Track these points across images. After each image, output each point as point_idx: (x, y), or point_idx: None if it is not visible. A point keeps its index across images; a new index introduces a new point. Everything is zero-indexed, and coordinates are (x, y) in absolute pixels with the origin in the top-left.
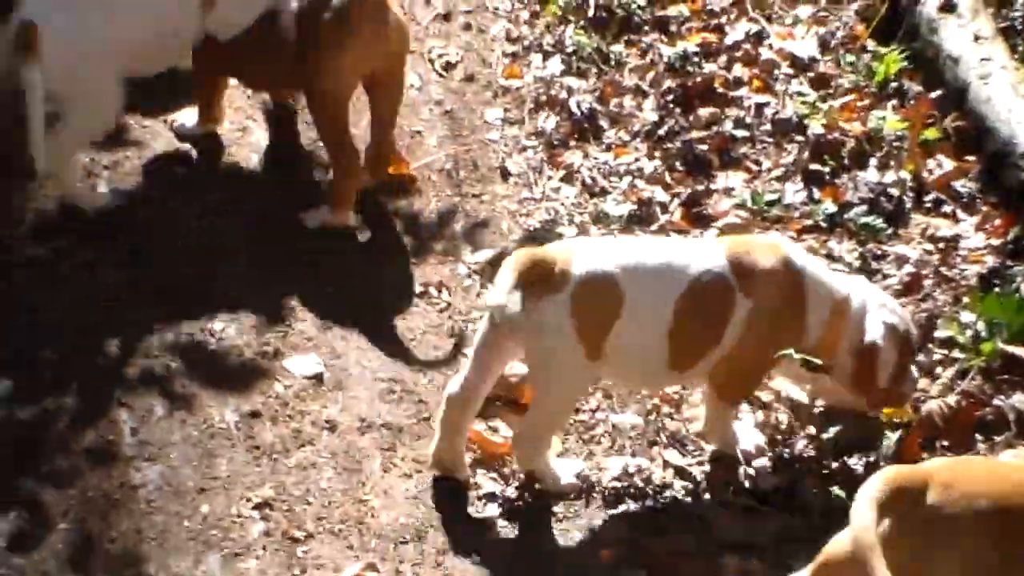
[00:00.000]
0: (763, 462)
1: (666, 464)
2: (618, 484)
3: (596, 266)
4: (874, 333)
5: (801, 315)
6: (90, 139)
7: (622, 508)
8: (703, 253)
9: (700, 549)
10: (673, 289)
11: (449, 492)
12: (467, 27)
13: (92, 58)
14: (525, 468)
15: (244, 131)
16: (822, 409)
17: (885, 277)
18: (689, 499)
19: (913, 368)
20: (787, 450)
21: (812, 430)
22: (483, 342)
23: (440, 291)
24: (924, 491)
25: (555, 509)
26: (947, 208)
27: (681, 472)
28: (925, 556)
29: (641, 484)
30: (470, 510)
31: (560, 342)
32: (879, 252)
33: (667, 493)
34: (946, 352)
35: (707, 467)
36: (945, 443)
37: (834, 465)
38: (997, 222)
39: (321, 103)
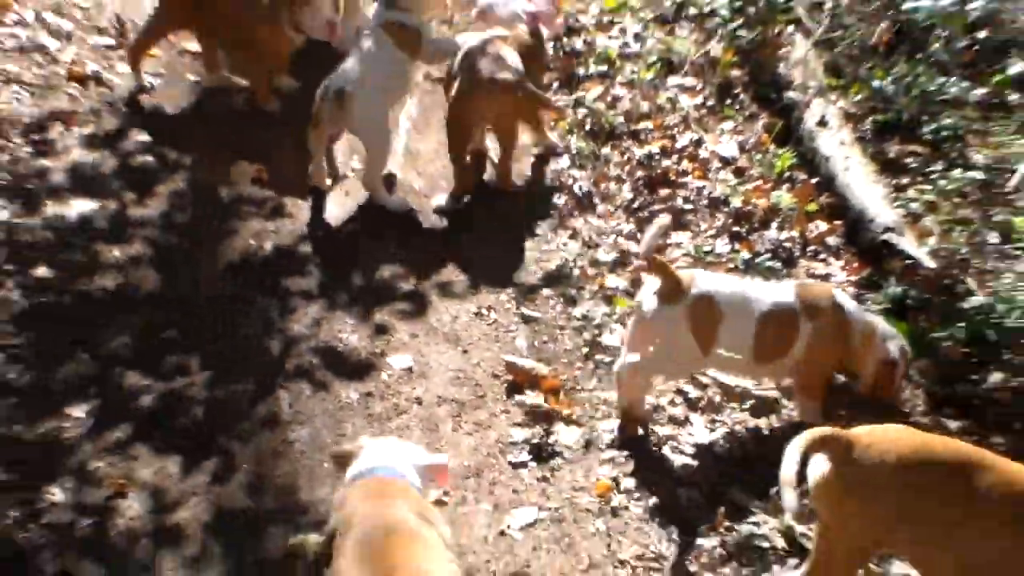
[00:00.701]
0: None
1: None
2: (609, 438)
3: (705, 290)
4: (895, 353)
5: (846, 339)
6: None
7: (611, 455)
8: (780, 292)
9: (663, 483)
10: (757, 313)
11: (497, 444)
12: None
13: (382, 111)
14: (627, 395)
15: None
16: (740, 389)
17: None
18: (656, 450)
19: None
20: (719, 416)
21: (735, 404)
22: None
23: (489, 312)
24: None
25: (565, 455)
26: (822, 256)
27: (651, 432)
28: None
29: (619, 438)
30: (510, 456)
31: (676, 334)
32: None
33: (643, 446)
34: None
35: (667, 428)
36: None
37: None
38: (855, 265)
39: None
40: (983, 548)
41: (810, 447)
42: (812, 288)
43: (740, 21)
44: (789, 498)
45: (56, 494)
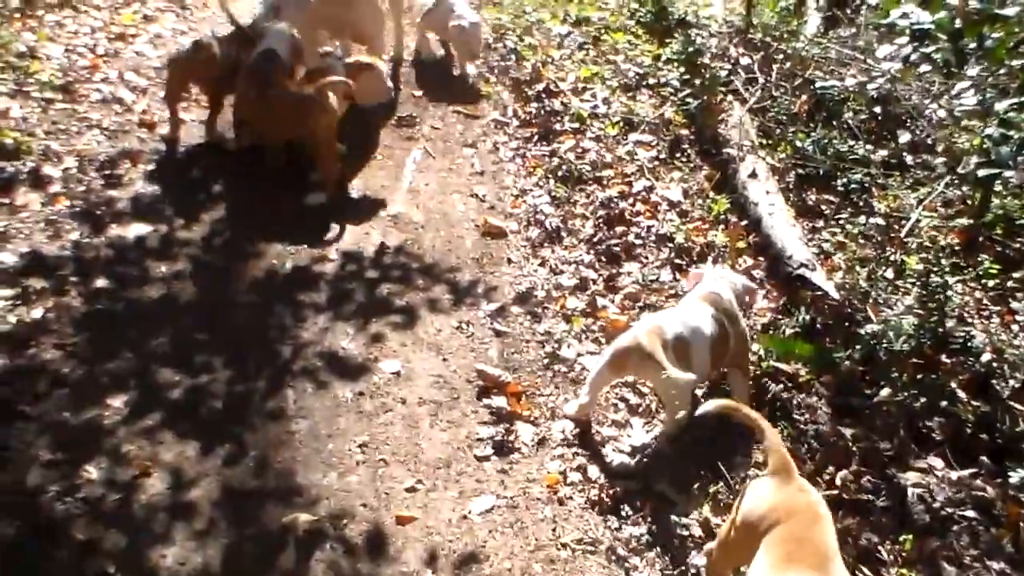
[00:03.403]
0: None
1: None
2: (560, 437)
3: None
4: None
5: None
6: None
7: (561, 452)
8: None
9: (603, 477)
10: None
11: (466, 440)
12: (492, 178)
13: None
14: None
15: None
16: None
17: None
18: (600, 448)
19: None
20: (655, 419)
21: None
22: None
23: (468, 327)
24: None
25: (522, 451)
26: None
27: (596, 432)
28: None
29: (568, 438)
30: (476, 450)
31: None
32: None
33: (588, 445)
34: None
35: (610, 430)
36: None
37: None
38: (774, 294)
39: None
40: None
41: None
42: (719, 301)
43: (688, 90)
44: None
45: (91, 472)
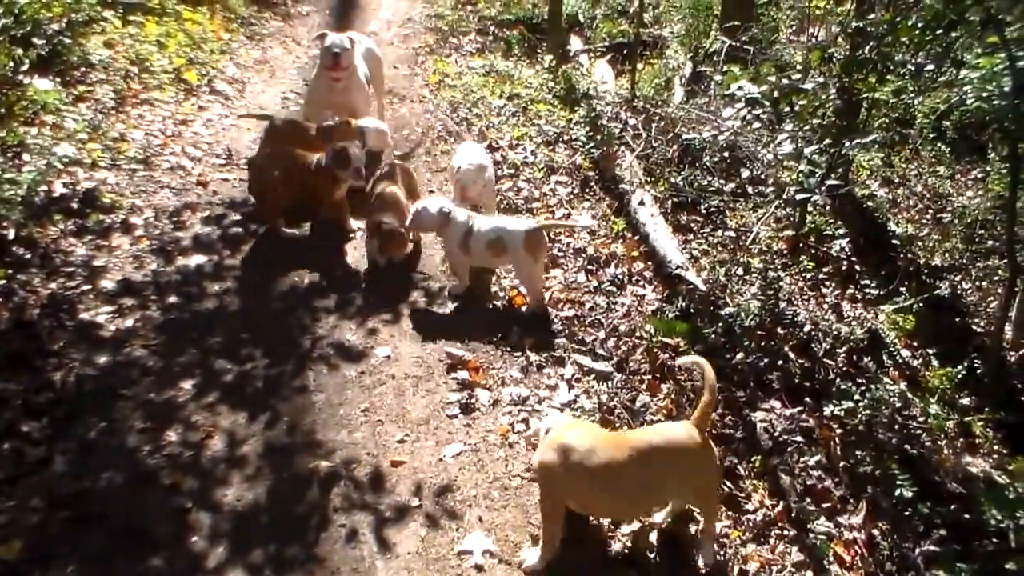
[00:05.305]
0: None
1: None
2: (508, 399)
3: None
4: None
5: None
6: None
7: (510, 409)
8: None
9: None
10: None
11: (440, 403)
12: None
13: None
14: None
15: (356, 249)
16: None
17: (617, 310)
18: (538, 405)
19: None
20: (576, 383)
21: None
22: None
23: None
24: None
25: (482, 410)
26: (641, 283)
27: (535, 395)
28: None
29: (515, 399)
30: (447, 411)
31: None
32: (615, 301)
33: (528, 404)
34: (639, 341)
35: (545, 392)
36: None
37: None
38: (660, 288)
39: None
40: None
41: None
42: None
43: (592, 143)
44: None
45: (172, 435)
